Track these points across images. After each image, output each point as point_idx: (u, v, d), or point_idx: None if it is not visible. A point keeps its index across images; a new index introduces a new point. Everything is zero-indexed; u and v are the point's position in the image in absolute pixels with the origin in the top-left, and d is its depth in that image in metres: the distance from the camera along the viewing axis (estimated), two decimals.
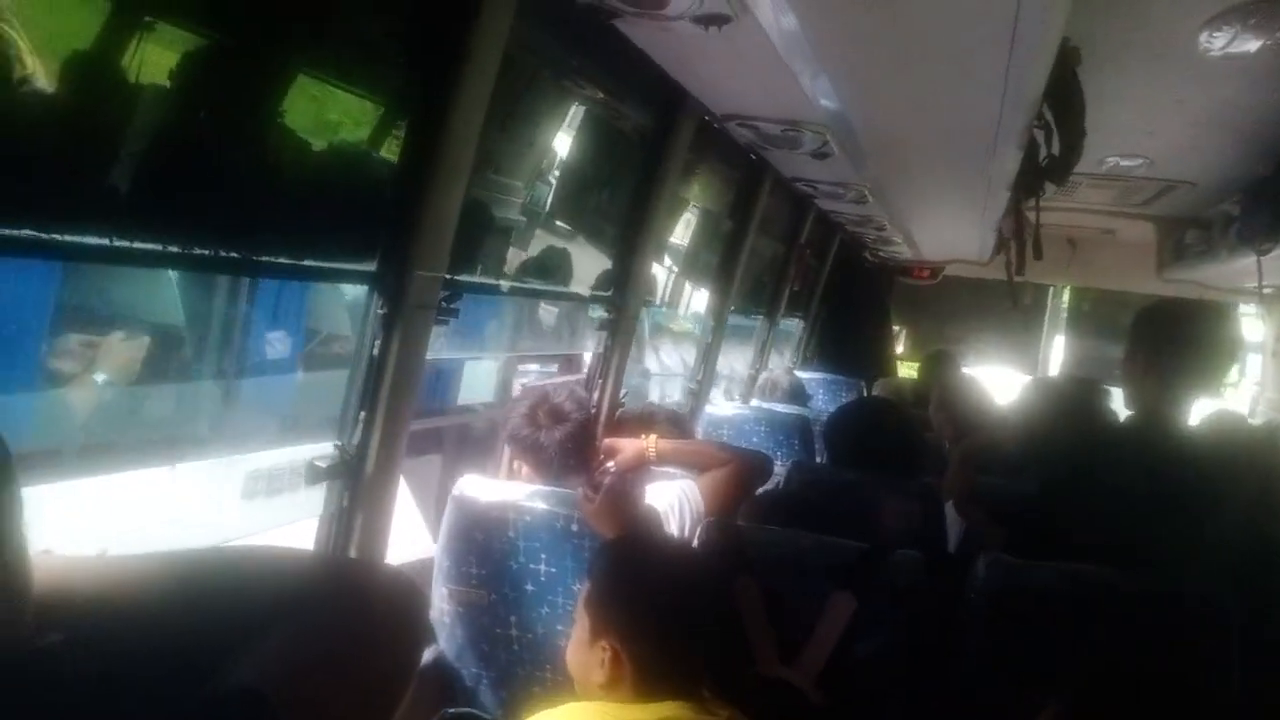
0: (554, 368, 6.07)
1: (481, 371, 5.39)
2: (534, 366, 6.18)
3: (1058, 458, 2.69)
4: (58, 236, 1.16)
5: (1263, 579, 2.20)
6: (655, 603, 1.59)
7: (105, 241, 1.23)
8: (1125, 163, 3.97)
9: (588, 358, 5.97)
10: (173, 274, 3.02)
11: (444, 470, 4.19)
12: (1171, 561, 2.08)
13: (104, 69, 1.63)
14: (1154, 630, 1.93)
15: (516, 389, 5.33)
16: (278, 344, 3.85)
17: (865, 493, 2.77)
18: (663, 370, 8.28)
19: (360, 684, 0.83)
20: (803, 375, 5.65)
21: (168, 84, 1.49)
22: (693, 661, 1.59)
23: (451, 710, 1.24)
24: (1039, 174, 3.06)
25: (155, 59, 1.52)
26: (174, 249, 1.33)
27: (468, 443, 4.43)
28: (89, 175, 1.29)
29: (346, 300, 4.50)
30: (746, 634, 1.94)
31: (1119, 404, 2.92)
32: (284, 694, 0.73)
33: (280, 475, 4.56)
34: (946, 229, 5.31)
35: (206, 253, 1.38)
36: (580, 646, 1.62)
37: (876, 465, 2.92)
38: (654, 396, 6.74)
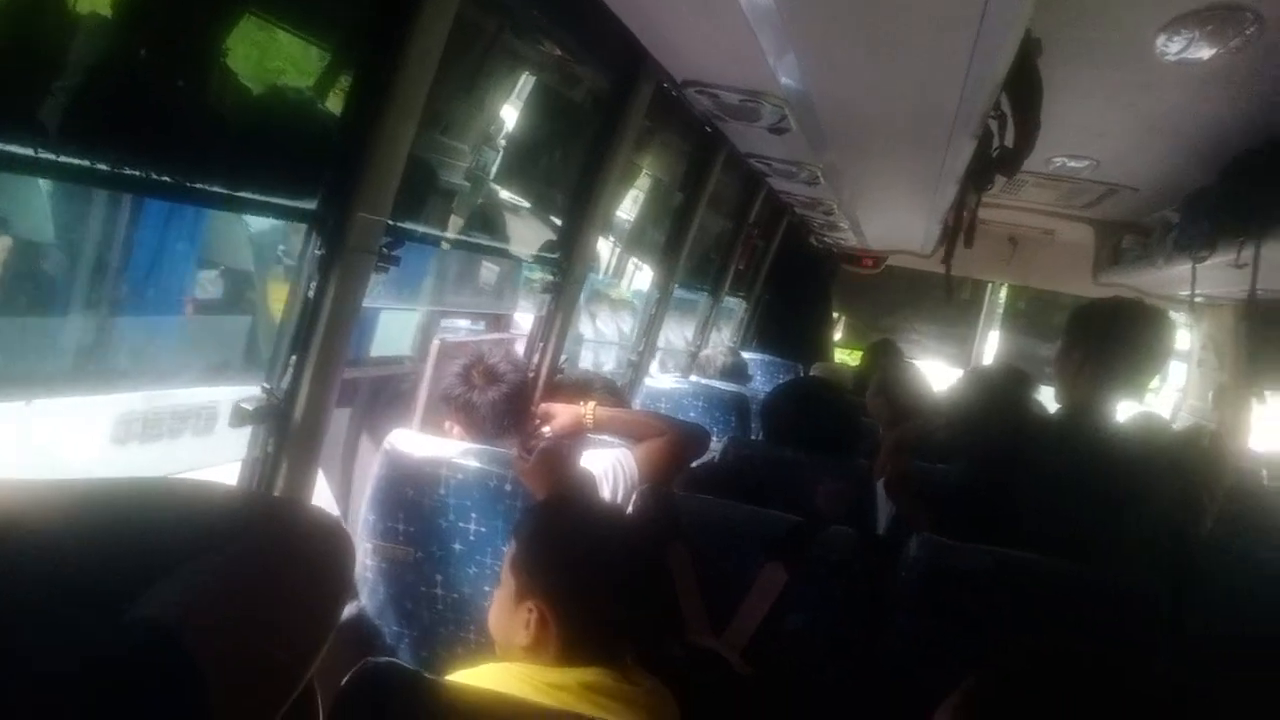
0: (481, 325, 5.97)
1: (399, 324, 5.18)
2: (463, 323, 6.05)
3: (988, 445, 2.73)
4: None
5: (1181, 573, 2.25)
6: (584, 565, 1.56)
7: (29, 152, 1.16)
8: (1072, 163, 4.02)
9: (517, 318, 5.97)
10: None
11: (353, 425, 4.06)
12: (1096, 551, 2.12)
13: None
14: (1082, 616, 1.96)
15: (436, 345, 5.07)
16: (166, 275, 3.62)
17: (799, 471, 2.78)
18: (597, 337, 8.27)
19: (279, 624, 0.79)
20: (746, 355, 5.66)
21: (114, 10, 1.41)
22: (619, 627, 1.57)
23: (374, 660, 1.19)
24: (989, 165, 3.08)
25: None
26: (102, 167, 1.26)
27: (381, 397, 4.28)
28: (21, 86, 1.22)
29: (252, 234, 4.32)
30: (677, 601, 1.93)
31: (1048, 400, 2.97)
32: (194, 626, 0.69)
33: (159, 420, 4.34)
34: (894, 217, 5.34)
35: (137, 174, 1.31)
36: (504, 607, 1.59)
37: (811, 445, 2.94)
38: (586, 364, 6.71)
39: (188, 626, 0.69)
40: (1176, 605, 2.01)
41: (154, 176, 1.34)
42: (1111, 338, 2.39)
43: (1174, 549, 2.45)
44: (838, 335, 8.00)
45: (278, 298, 4.26)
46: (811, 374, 5.41)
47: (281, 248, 4.60)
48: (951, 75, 2.30)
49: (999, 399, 3.16)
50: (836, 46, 2.28)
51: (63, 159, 1.22)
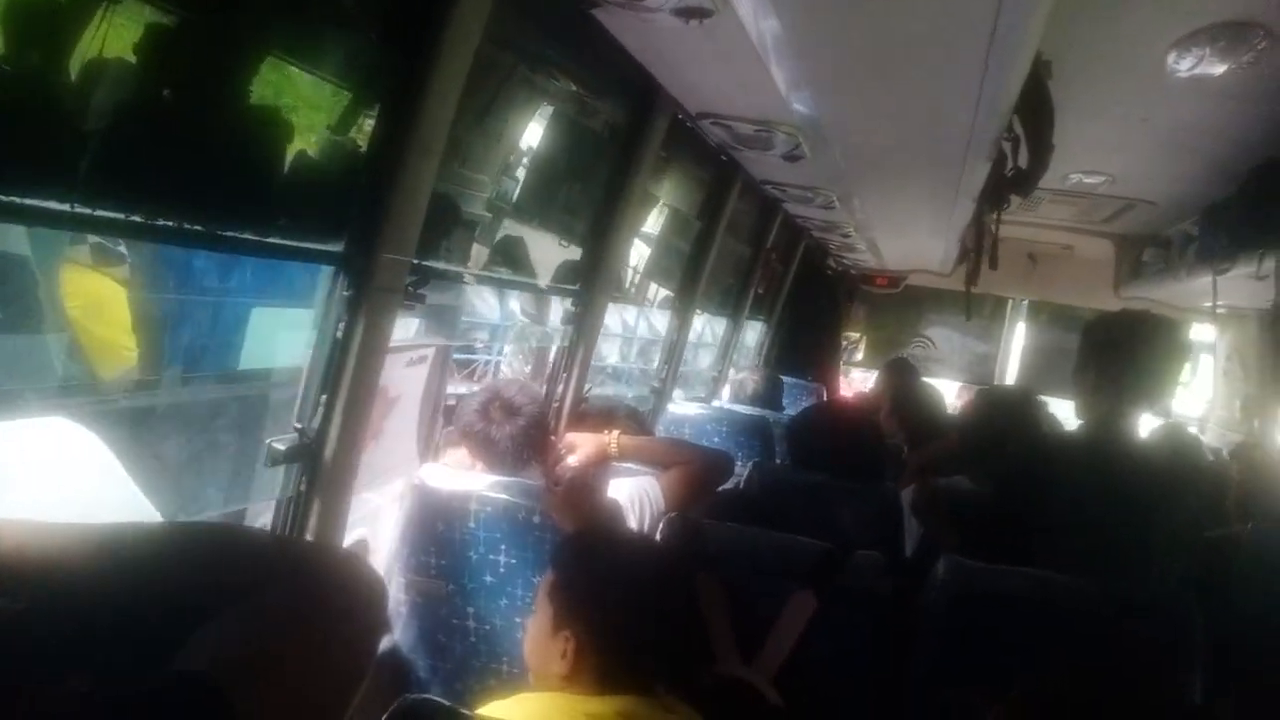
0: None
1: (284, 324, 4.54)
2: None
3: (1012, 464, 2.73)
4: (18, 200, 1.13)
5: (1210, 579, 2.24)
6: (621, 595, 1.58)
7: (66, 207, 1.20)
8: (1088, 179, 4.03)
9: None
10: None
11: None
12: (1124, 566, 2.12)
13: (72, 44, 1.60)
14: (1115, 635, 1.95)
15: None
16: None
17: (826, 495, 2.78)
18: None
19: (317, 671, 0.80)
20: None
21: (140, 61, 1.46)
22: (654, 655, 1.58)
23: (411, 696, 1.21)
24: (1004, 185, 3.10)
25: (126, 36, 1.49)
26: (136, 218, 1.30)
27: (249, 419, 3.87)
28: (54, 144, 1.27)
29: None
30: (707, 631, 1.94)
31: (1064, 415, 2.97)
32: (238, 682, 0.71)
33: None
34: (911, 238, 5.36)
35: (170, 224, 1.34)
36: (540, 637, 1.60)
37: (837, 468, 2.94)
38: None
39: (228, 679, 0.70)
40: (1208, 619, 2.00)
41: (186, 226, 1.38)
42: (1123, 351, 2.38)
43: (1204, 562, 2.44)
44: (859, 355, 7.99)
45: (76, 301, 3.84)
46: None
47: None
48: (963, 100, 2.32)
49: (1011, 417, 3.16)
50: (847, 76, 2.32)
51: (98, 213, 1.26)
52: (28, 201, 1.15)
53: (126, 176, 1.32)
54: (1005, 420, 3.15)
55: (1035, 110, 2.52)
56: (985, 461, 3.02)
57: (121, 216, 1.28)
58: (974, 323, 7.40)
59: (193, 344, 4.28)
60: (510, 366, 8.62)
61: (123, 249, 3.91)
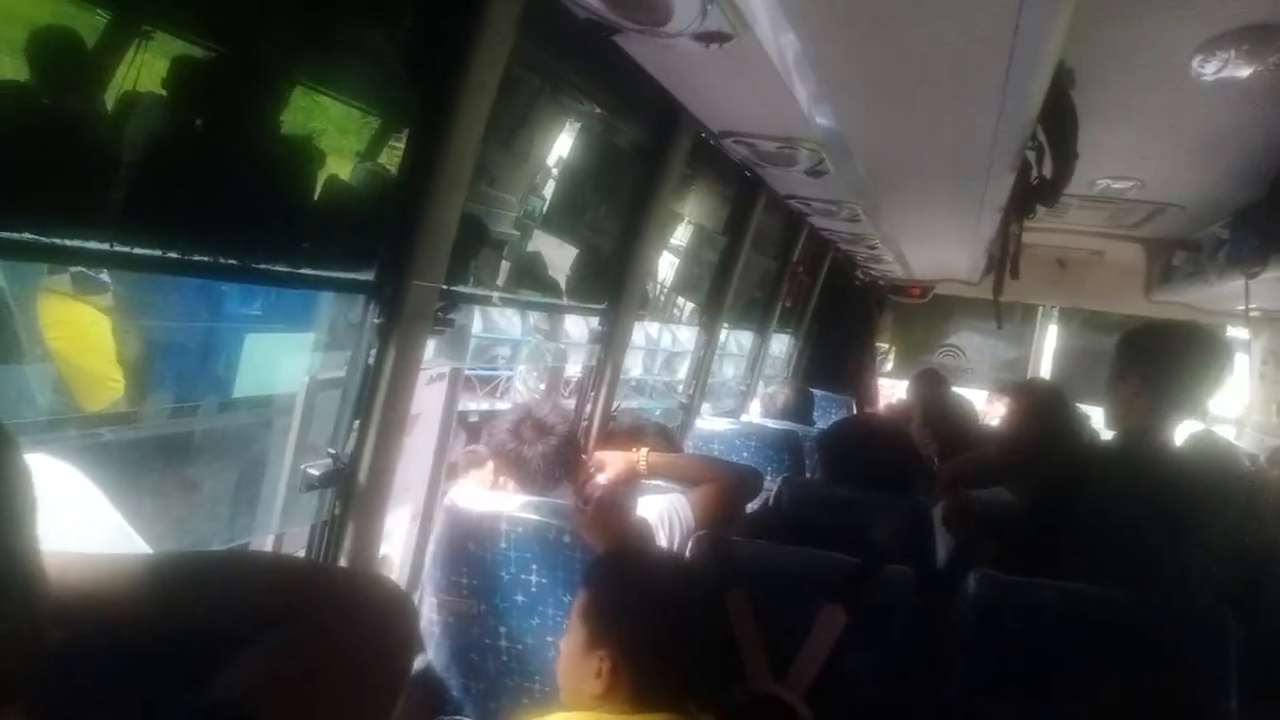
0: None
1: (280, 351, 4.36)
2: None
3: (1047, 475, 2.71)
4: (58, 240, 1.17)
5: (1247, 591, 2.22)
6: (654, 614, 1.59)
7: (106, 246, 1.24)
8: (1116, 185, 4.00)
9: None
10: None
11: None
12: (1160, 578, 2.10)
13: (105, 79, 1.65)
14: (1150, 648, 1.93)
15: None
16: None
17: (857, 509, 2.78)
18: None
19: (350, 695, 0.82)
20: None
21: (172, 95, 1.51)
22: (687, 673, 1.59)
23: (445, 718, 1.24)
24: (1031, 194, 3.09)
25: (158, 70, 1.53)
26: (173, 255, 1.33)
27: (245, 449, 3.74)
28: (91, 181, 1.30)
29: None
30: (738, 647, 1.95)
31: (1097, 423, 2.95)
32: (273, 709, 0.73)
33: None
34: (938, 249, 5.34)
35: (206, 259, 1.38)
36: (573, 657, 1.62)
37: (869, 481, 2.93)
38: None
39: (263, 707, 0.73)
40: (1244, 631, 1.98)
41: (221, 260, 1.41)
42: (1168, 361, 2.37)
43: (1241, 573, 2.41)
44: (888, 366, 7.96)
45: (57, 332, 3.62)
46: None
47: None
48: (985, 112, 2.33)
49: (1051, 426, 3.14)
50: (868, 91, 2.33)
51: (136, 251, 1.30)
52: (69, 242, 1.18)
53: (163, 213, 1.35)
54: (1043, 426, 3.12)
55: (1058, 119, 2.51)
56: (1024, 471, 3.00)
57: (159, 253, 1.31)
58: (1004, 330, 7.36)
59: (182, 373, 4.12)
60: (524, 384, 8.65)
61: (105, 276, 3.72)
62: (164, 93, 1.52)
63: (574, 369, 11.24)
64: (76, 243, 1.19)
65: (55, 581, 0.75)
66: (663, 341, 12.68)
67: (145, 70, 1.65)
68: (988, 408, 5.98)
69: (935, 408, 4.49)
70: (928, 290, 7.04)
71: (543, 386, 8.95)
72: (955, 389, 5.47)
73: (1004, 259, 3.68)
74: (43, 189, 1.19)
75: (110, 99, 1.61)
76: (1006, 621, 1.99)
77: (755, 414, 5.00)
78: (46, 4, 1.71)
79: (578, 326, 10.94)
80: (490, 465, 2.57)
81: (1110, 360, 2.52)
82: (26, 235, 1.12)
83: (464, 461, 2.49)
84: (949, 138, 2.68)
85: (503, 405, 8.56)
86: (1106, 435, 2.71)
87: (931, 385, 5.35)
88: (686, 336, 11.86)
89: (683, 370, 12.82)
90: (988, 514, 2.88)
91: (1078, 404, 3.41)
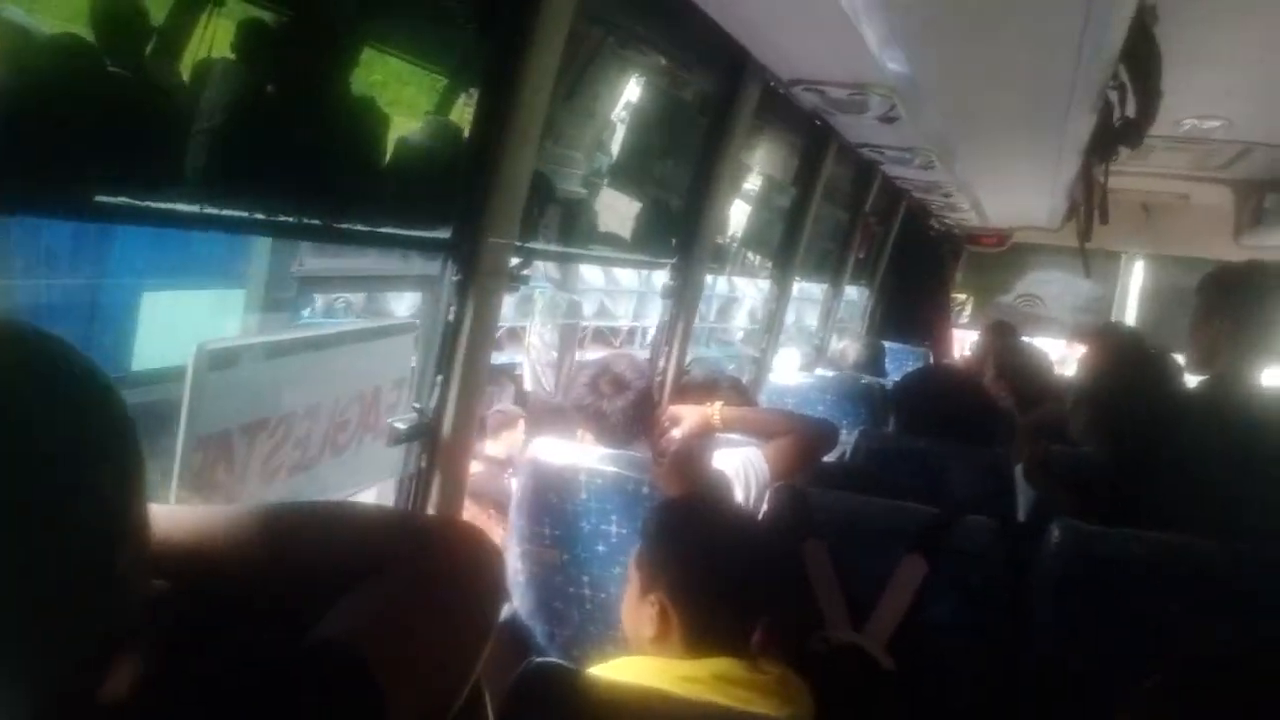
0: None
1: (199, 311, 3.68)
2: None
3: (1130, 423, 2.65)
4: (152, 204, 1.21)
5: None
6: (703, 560, 1.60)
7: (196, 208, 1.28)
8: (1203, 124, 3.85)
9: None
10: None
11: None
12: (1253, 526, 2.05)
13: (180, 46, 1.69)
14: (1241, 599, 1.89)
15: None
16: None
17: (935, 460, 2.75)
18: None
19: (445, 637, 0.85)
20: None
21: (247, 60, 1.53)
22: (741, 619, 1.60)
23: (537, 659, 1.27)
24: (1112, 136, 2.99)
25: (230, 34, 1.56)
26: (259, 215, 1.38)
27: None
28: (178, 148, 1.34)
29: None
30: (815, 597, 1.96)
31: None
32: (375, 649, 0.76)
33: None
34: (1016, 195, 5.21)
35: (290, 220, 1.42)
36: (632, 601, 1.65)
37: (946, 432, 2.90)
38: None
39: (368, 647, 0.75)
40: None
41: (305, 221, 1.46)
42: (1256, 301, 2.29)
43: None
44: (965, 317, 7.82)
45: None
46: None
47: None
48: (1064, 50, 2.26)
49: (1134, 374, 3.06)
50: (941, 32, 2.27)
51: (225, 212, 1.34)
52: (162, 205, 1.23)
53: (246, 177, 1.39)
54: (1126, 374, 3.05)
55: (1141, 57, 2.42)
56: (1105, 422, 2.94)
57: (245, 214, 1.35)
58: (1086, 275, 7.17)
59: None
60: (540, 338, 8.59)
61: None
62: (240, 58, 1.55)
63: (592, 320, 11.13)
64: (169, 205, 1.23)
65: (156, 532, 0.79)
66: (717, 287, 12.45)
67: (219, 34, 1.68)
68: (1068, 352, 5.84)
69: (1009, 359, 4.41)
70: (1005, 238, 6.88)
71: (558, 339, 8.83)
72: (1034, 338, 5.36)
73: (1089, 204, 3.58)
74: (134, 156, 1.23)
75: (187, 66, 1.65)
76: (1090, 572, 1.96)
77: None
78: None
79: (591, 273, 10.75)
80: (520, 425, 2.60)
81: (1194, 302, 2.45)
82: (123, 199, 1.16)
83: (494, 422, 2.51)
84: (1027, 78, 2.60)
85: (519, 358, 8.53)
86: (1191, 381, 2.64)
87: (1003, 336, 5.23)
88: (742, 282, 11.69)
89: (738, 317, 12.70)
90: (1069, 467, 2.83)
91: (1163, 349, 3.31)
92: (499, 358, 7.68)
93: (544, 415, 3.09)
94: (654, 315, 11.53)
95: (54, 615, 0.66)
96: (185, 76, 1.62)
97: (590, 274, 10.61)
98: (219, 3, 1.80)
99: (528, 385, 7.74)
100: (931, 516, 2.01)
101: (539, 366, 8.09)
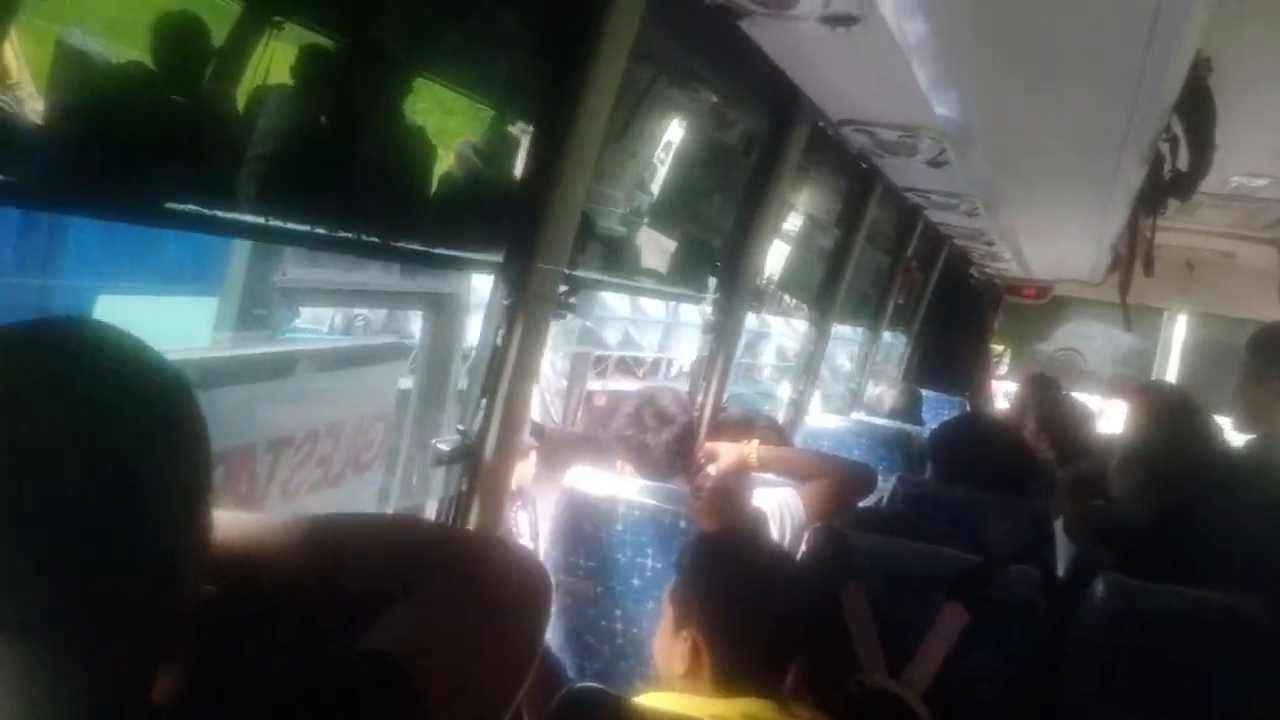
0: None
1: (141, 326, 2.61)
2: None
3: (1174, 482, 2.60)
4: (220, 214, 1.23)
5: None
6: (736, 599, 1.58)
7: (261, 220, 1.30)
8: (1252, 182, 3.81)
9: None
10: None
11: None
12: None
13: (241, 69, 1.74)
14: None
15: None
16: None
17: (974, 510, 2.71)
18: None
19: (492, 656, 0.84)
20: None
21: (314, 86, 1.58)
22: (773, 659, 1.57)
23: (578, 684, 1.26)
24: (1162, 189, 2.97)
25: (291, 60, 1.60)
26: (320, 230, 1.39)
27: None
28: (249, 166, 1.38)
29: None
30: (852, 641, 1.92)
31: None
32: (419, 660, 0.75)
33: None
34: (1059, 245, 5.18)
35: (349, 235, 1.44)
36: (664, 636, 1.63)
37: (985, 482, 2.86)
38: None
39: (413, 659, 0.75)
40: None
41: (363, 238, 1.47)
42: None
43: None
44: (1003, 369, 7.75)
45: None
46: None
47: None
48: (1119, 99, 2.25)
49: (1178, 431, 3.01)
50: (996, 77, 2.27)
51: (289, 225, 1.37)
52: (230, 215, 1.25)
53: (310, 195, 1.42)
54: (1170, 431, 3.00)
55: (1196, 108, 2.41)
56: (1148, 479, 2.89)
57: (307, 229, 1.37)
58: (1127, 330, 7.09)
59: None
60: (551, 367, 8.52)
61: None
62: (307, 84, 1.59)
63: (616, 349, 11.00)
64: (236, 215, 1.25)
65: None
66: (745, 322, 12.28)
67: (275, 60, 1.72)
68: (1107, 407, 5.77)
69: (1050, 412, 4.35)
70: (1045, 290, 6.83)
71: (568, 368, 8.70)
72: (1072, 392, 5.29)
73: (1131, 257, 3.55)
74: (209, 168, 1.28)
75: (250, 89, 1.69)
76: (1133, 628, 1.91)
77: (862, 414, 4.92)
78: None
79: (616, 301, 10.45)
80: (533, 456, 2.59)
81: (1243, 360, 2.41)
82: (191, 207, 1.18)
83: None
84: (1080, 125, 2.59)
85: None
86: (1236, 439, 2.59)
87: (1044, 388, 5.17)
88: (771, 317, 11.58)
89: (766, 353, 12.61)
90: (1111, 522, 2.78)
91: (1206, 409, 3.25)
92: None
93: (561, 446, 3.07)
94: (680, 347, 11.58)
95: (121, 606, 0.66)
96: (259, 100, 1.66)
97: (615, 302, 10.53)
98: (276, 27, 1.84)
99: (535, 414, 7.72)
100: (973, 564, 1.97)
101: (548, 395, 8.05)
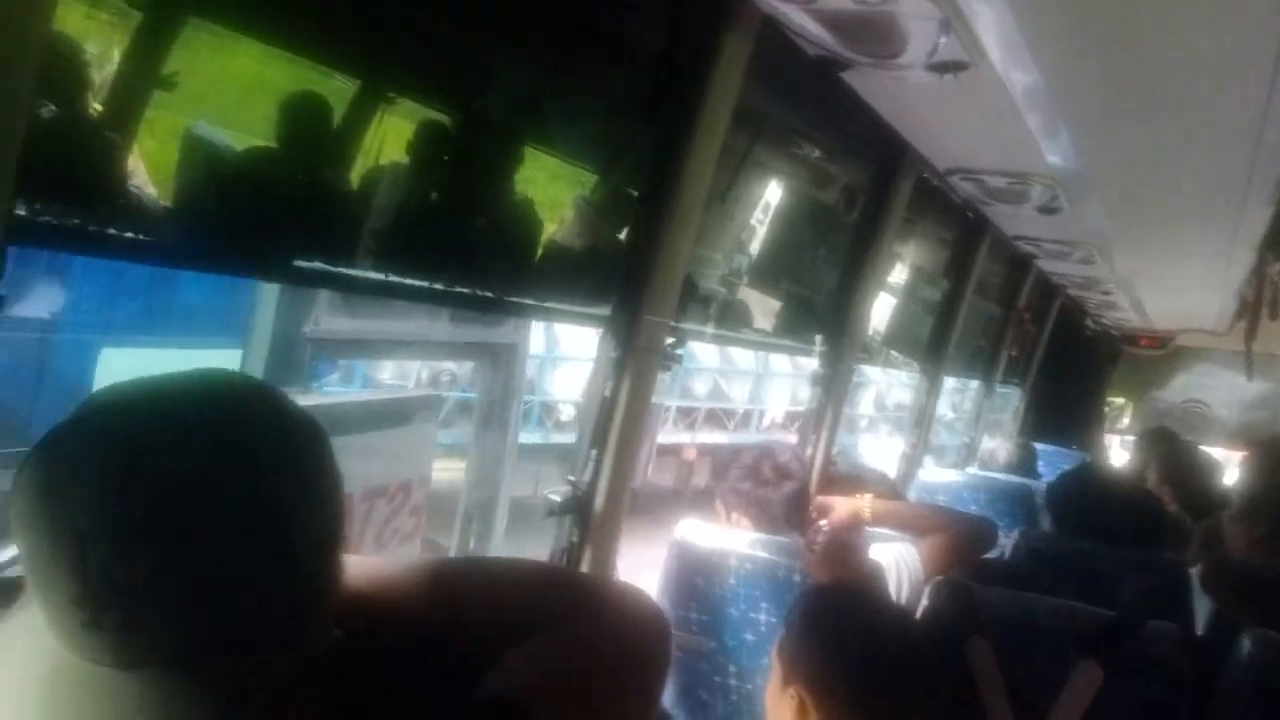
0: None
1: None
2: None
3: None
4: (344, 270, 1.29)
5: None
6: (847, 654, 1.52)
7: (381, 277, 1.36)
8: None
9: None
10: None
11: None
12: None
13: (359, 141, 1.84)
14: None
15: None
16: None
17: (1102, 564, 2.59)
18: None
19: (613, 704, 0.83)
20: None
21: (430, 156, 1.66)
22: (885, 717, 1.52)
23: None
24: None
25: (441, 141, 1.70)
26: (438, 286, 1.44)
27: None
28: (371, 227, 1.45)
29: None
30: (980, 699, 1.84)
31: None
32: (545, 705, 0.75)
33: None
34: (1181, 293, 4.99)
35: (465, 290, 1.49)
36: (774, 692, 1.59)
37: (1110, 536, 2.73)
38: None
39: (535, 702, 0.75)
40: None
41: (479, 293, 1.52)
42: None
43: None
44: (1125, 421, 7.44)
45: None
46: None
47: None
48: (1242, 140, 2.18)
49: None
50: (1111, 119, 2.22)
51: (407, 281, 1.43)
52: (353, 273, 1.31)
53: (429, 252, 1.48)
54: None
55: None
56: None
57: (425, 284, 1.43)
58: (1257, 382, 6.75)
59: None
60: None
61: None
62: (422, 154, 1.68)
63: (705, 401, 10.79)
64: (359, 273, 1.31)
65: None
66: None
67: (390, 133, 1.80)
68: (1233, 458, 5.49)
69: (1172, 465, 4.17)
70: (1167, 341, 6.56)
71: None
72: (1198, 445, 5.05)
73: (1257, 302, 3.40)
74: (334, 232, 1.34)
75: (367, 158, 1.80)
76: None
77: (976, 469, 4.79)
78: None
79: (704, 352, 10.32)
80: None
81: None
82: (318, 265, 1.24)
83: None
84: (1201, 167, 2.51)
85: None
86: None
87: (1165, 442, 4.96)
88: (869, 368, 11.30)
89: (863, 403, 12.30)
90: (1249, 575, 2.62)
91: None
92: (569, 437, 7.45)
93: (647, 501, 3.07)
94: (771, 399, 11.39)
95: (265, 646, 0.69)
96: (389, 175, 1.76)
97: (703, 353, 10.44)
98: (390, 101, 1.95)
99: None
100: (1107, 620, 1.88)
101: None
